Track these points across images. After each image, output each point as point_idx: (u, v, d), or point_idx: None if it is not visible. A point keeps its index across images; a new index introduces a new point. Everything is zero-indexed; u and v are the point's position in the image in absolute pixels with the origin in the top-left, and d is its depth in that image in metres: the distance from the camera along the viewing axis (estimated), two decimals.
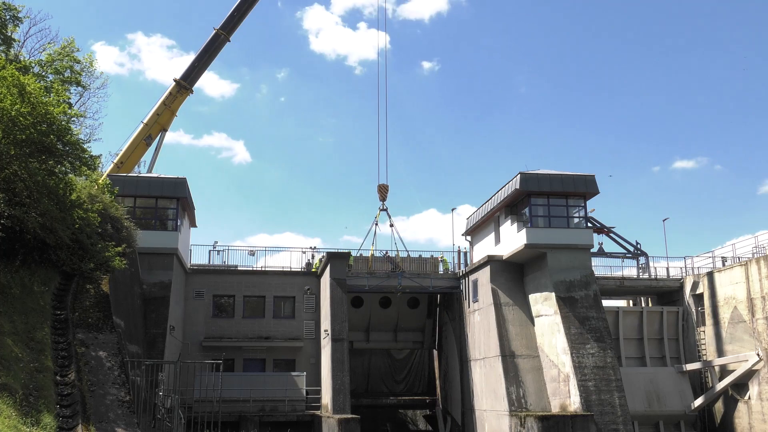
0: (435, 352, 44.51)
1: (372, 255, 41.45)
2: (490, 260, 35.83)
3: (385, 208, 43.91)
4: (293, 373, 36.75)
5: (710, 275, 36.53)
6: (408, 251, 42.57)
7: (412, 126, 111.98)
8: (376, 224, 42.91)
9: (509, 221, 36.00)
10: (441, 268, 42.16)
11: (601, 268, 39.11)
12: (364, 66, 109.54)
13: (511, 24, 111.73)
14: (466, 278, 38.96)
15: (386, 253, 41.73)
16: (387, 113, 52.48)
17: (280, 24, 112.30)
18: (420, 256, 42.56)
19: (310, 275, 40.64)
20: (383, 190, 44.26)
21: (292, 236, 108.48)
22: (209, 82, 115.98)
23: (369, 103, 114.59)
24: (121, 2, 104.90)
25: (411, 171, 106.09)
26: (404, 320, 42.73)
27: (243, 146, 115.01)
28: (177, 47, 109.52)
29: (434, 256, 42.58)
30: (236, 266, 41.07)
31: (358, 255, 41.74)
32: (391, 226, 43.02)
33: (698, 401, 35.24)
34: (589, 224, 36.58)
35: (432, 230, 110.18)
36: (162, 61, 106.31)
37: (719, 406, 35.36)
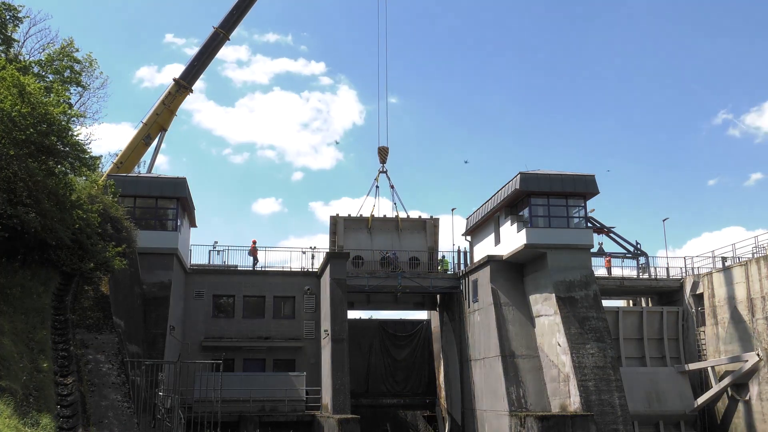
0: (435, 353, 44.48)
1: (372, 216, 42.24)
2: (490, 260, 35.81)
3: (385, 170, 44.84)
4: (293, 373, 36.73)
5: (710, 275, 36.51)
6: (407, 212, 43.58)
7: (411, 125, 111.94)
8: (377, 186, 44.04)
9: (509, 221, 35.98)
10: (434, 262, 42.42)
11: (601, 268, 39.13)
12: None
13: (507, 19, 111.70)
14: (466, 278, 38.94)
15: (386, 213, 43.04)
16: (387, 78, 53.79)
17: None
18: (420, 216, 43.26)
19: (310, 275, 40.64)
20: (383, 153, 45.00)
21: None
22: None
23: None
24: None
25: (412, 170, 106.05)
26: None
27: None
28: None
29: (433, 217, 43.12)
30: (236, 266, 41.04)
31: (358, 216, 42.51)
32: (392, 187, 44.21)
33: (698, 401, 35.22)
34: (589, 224, 36.58)
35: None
36: None
37: (719, 406, 35.34)
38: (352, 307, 41.70)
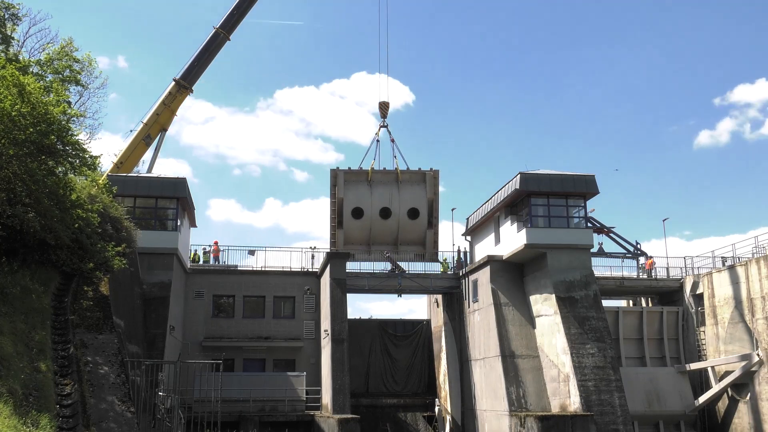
0: (435, 353, 44.45)
1: (372, 168, 42.64)
2: (490, 260, 35.82)
3: (385, 124, 45.27)
4: (293, 374, 36.72)
5: (710, 275, 36.52)
6: (408, 165, 43.62)
7: (412, 125, 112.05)
8: (378, 140, 44.39)
9: (509, 221, 35.99)
10: (440, 268, 42.38)
11: (601, 268, 39.16)
12: None
13: (504, 17, 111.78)
14: (466, 278, 38.95)
15: (386, 167, 43.46)
16: (388, 36, 53.66)
17: None
18: (419, 168, 43.17)
19: (310, 275, 40.65)
20: (384, 107, 45.55)
21: None
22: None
23: None
24: None
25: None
26: (405, 232, 42.66)
27: None
28: None
29: (433, 169, 43.00)
30: (236, 266, 41.05)
31: (358, 168, 42.82)
32: (392, 141, 44.49)
33: (698, 401, 35.23)
34: (589, 224, 36.59)
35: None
36: None
37: (719, 406, 35.35)
38: (353, 257, 40.74)
